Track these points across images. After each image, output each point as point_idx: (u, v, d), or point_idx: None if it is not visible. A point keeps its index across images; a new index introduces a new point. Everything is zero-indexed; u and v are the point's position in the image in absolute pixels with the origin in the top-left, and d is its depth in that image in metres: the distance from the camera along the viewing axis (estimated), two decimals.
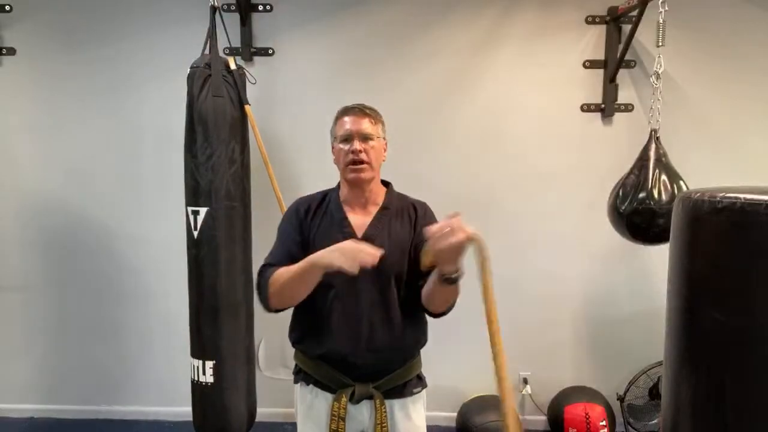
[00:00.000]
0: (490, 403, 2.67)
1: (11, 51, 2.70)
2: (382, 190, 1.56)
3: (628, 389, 2.62)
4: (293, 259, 1.42)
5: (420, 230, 1.42)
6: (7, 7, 2.67)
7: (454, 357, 2.85)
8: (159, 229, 2.73)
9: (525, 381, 2.79)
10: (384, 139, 1.54)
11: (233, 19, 2.58)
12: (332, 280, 1.36)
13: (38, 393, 2.89)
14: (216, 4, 2.24)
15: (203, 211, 2.17)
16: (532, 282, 2.76)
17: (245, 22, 2.62)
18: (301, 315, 1.52)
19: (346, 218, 1.48)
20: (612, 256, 2.72)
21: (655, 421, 2.59)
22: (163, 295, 2.77)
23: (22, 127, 2.75)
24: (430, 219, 1.52)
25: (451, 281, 1.26)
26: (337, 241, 1.36)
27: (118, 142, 2.74)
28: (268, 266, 1.45)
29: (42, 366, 2.89)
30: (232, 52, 2.54)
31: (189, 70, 2.20)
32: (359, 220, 1.48)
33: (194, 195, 2.19)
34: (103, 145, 2.74)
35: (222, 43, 2.35)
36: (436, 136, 2.73)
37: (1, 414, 2.88)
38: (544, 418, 2.79)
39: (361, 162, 1.45)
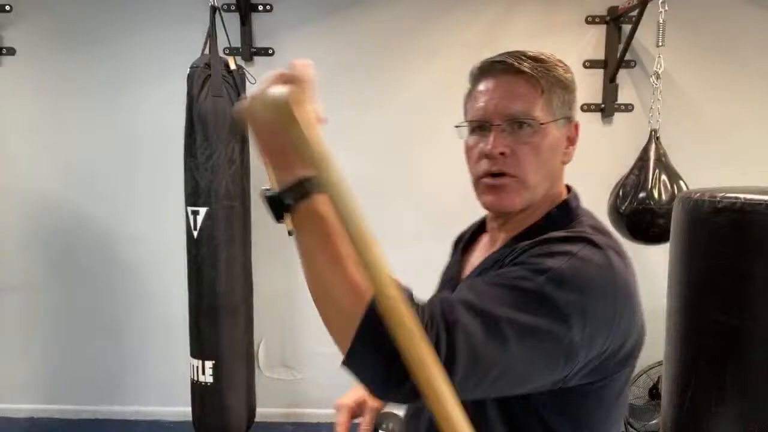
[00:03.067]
0: None
1: (11, 51, 2.69)
2: (543, 211, 0.84)
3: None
4: None
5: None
6: (7, 7, 2.66)
7: None
8: (159, 229, 2.73)
9: None
10: (568, 119, 0.84)
11: (233, 19, 2.58)
12: None
13: (38, 393, 2.89)
14: (216, 4, 2.24)
15: (203, 210, 2.17)
16: None
17: (245, 22, 2.62)
18: None
19: (466, 250, 0.96)
20: None
21: (655, 421, 2.59)
22: (162, 295, 2.77)
23: (22, 127, 2.75)
24: (527, 257, 0.73)
25: (270, 200, 0.65)
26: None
27: (118, 141, 2.73)
28: None
29: (42, 366, 2.89)
30: (232, 52, 2.54)
31: (189, 70, 2.20)
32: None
33: (194, 195, 2.19)
34: (103, 145, 2.74)
35: (222, 43, 2.35)
36: (436, 136, 2.73)
37: (1, 414, 2.88)
38: None
39: (502, 174, 0.80)
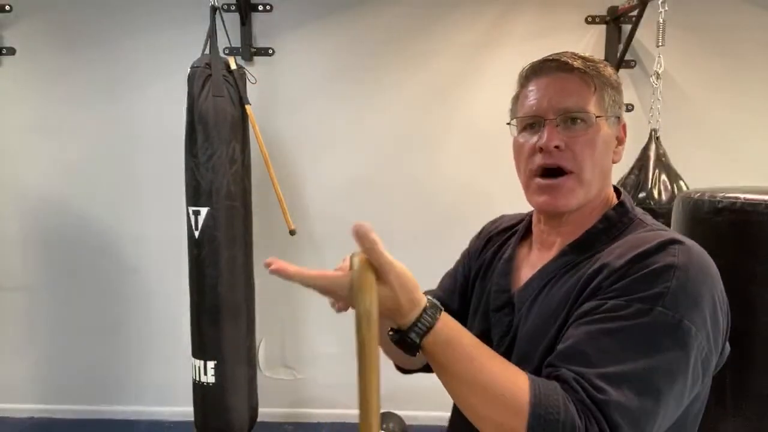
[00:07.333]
0: None
1: (11, 51, 2.69)
2: (598, 212, 0.83)
3: None
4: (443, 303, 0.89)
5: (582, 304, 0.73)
6: (7, 7, 2.66)
7: None
8: (160, 229, 2.73)
9: None
10: (617, 118, 0.84)
11: (233, 19, 2.58)
12: None
13: (38, 393, 2.89)
14: (216, 4, 2.24)
15: (204, 211, 2.17)
16: None
17: (245, 22, 2.62)
18: None
19: (511, 260, 0.90)
20: None
21: None
22: (163, 295, 2.77)
23: (22, 127, 2.75)
24: (630, 283, 0.69)
25: (399, 341, 0.70)
26: (485, 304, 0.89)
27: (118, 141, 2.74)
28: None
29: (42, 366, 2.89)
30: (232, 52, 2.54)
31: (189, 70, 2.20)
32: (537, 268, 0.85)
33: (195, 195, 2.19)
34: (104, 145, 2.74)
35: (222, 43, 2.35)
36: (436, 137, 2.73)
37: (1, 414, 2.88)
38: None
39: (557, 170, 0.78)
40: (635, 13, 2.36)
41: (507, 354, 0.82)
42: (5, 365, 2.89)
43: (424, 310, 0.68)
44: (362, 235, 0.63)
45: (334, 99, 2.69)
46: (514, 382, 0.67)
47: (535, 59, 0.88)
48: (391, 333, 0.71)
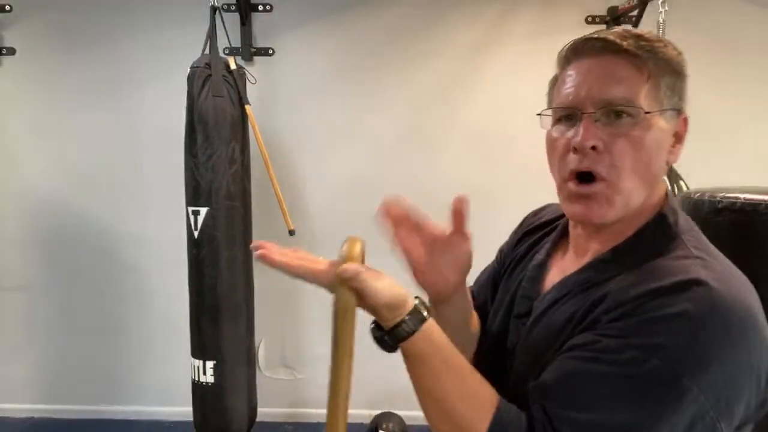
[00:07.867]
0: None
1: (11, 51, 2.69)
2: (644, 219, 0.71)
3: None
4: (473, 297, 0.91)
5: (578, 333, 0.66)
6: (7, 7, 2.66)
7: None
8: (159, 229, 2.73)
9: None
10: (677, 111, 0.70)
11: (233, 19, 2.58)
12: None
13: (38, 393, 2.89)
14: (216, 4, 2.24)
15: (203, 211, 2.17)
16: None
17: (245, 22, 2.62)
18: None
19: (544, 264, 0.82)
20: None
21: None
22: (163, 295, 2.77)
23: (22, 127, 2.75)
24: (632, 324, 0.61)
25: (379, 340, 0.69)
26: (511, 304, 0.81)
27: (118, 141, 2.74)
28: None
29: (42, 366, 2.89)
30: (232, 52, 2.54)
31: (189, 70, 2.20)
32: (567, 273, 0.77)
33: (194, 195, 2.19)
34: (104, 145, 2.74)
35: (222, 43, 2.35)
36: (436, 137, 2.73)
37: (1, 414, 2.88)
38: None
39: (590, 175, 0.67)
40: (635, 13, 2.36)
41: (512, 364, 0.78)
42: (5, 365, 2.89)
43: (409, 315, 0.65)
44: (350, 278, 0.63)
45: (335, 99, 2.69)
46: (477, 410, 0.64)
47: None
48: (372, 327, 0.69)
